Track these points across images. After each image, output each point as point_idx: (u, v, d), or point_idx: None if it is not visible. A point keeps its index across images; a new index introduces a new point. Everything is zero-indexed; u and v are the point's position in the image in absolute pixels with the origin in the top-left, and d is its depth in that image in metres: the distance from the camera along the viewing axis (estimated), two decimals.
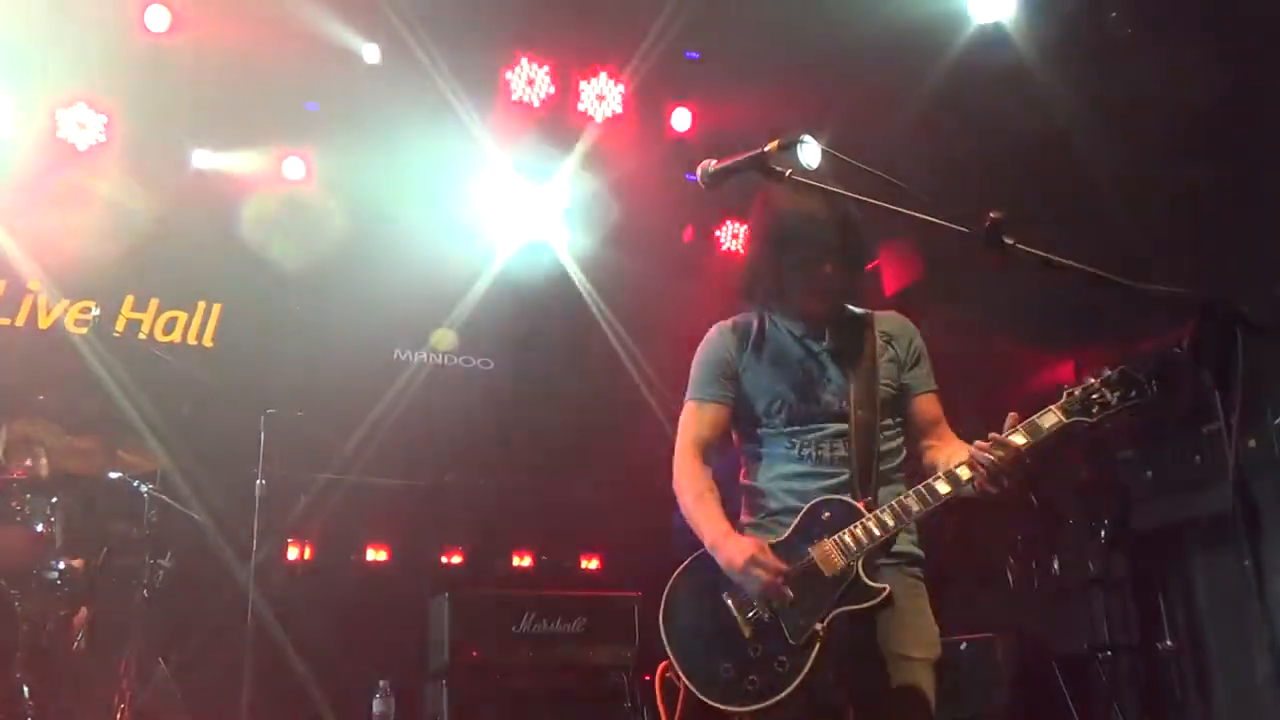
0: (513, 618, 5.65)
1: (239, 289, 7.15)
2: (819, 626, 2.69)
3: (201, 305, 7.10)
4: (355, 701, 5.56)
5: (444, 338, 7.90)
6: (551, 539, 7.69)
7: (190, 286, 7.06)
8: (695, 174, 2.74)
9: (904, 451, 3.03)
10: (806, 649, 2.69)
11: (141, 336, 6.89)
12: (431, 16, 6.63)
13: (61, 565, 5.40)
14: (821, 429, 2.94)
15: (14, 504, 5.31)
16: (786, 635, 2.71)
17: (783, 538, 2.83)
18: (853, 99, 6.41)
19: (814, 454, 2.93)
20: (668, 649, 2.85)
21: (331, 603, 6.68)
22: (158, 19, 6.40)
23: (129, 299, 6.93)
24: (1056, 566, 6.45)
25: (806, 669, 2.67)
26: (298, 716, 5.61)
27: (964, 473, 2.72)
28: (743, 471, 3.11)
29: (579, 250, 7.74)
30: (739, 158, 2.63)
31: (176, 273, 6.99)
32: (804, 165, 2.59)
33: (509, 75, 7.19)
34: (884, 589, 2.72)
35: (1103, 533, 6.06)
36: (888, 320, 3.12)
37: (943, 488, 2.74)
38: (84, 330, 6.73)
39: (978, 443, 2.71)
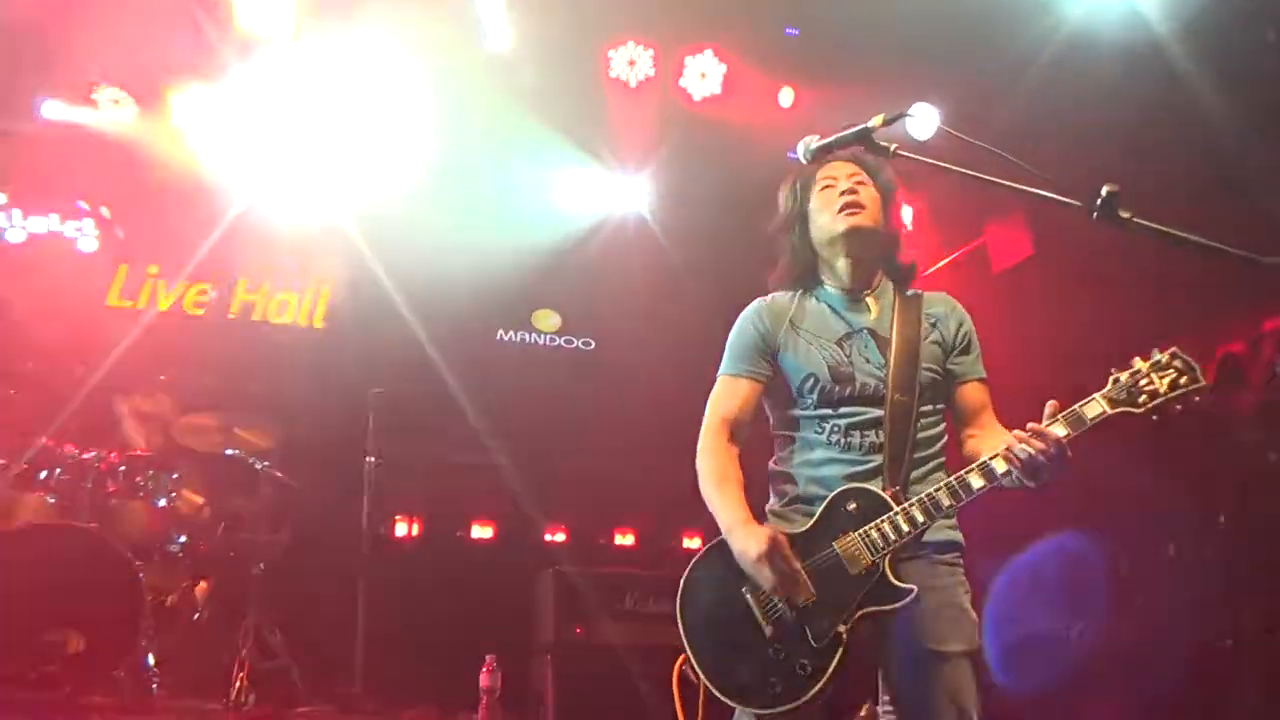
0: (615, 596, 5.69)
1: (347, 272, 7.31)
2: (842, 629, 2.53)
3: (312, 288, 7.28)
4: (463, 674, 5.65)
5: (546, 318, 7.98)
6: (654, 517, 7.71)
7: (301, 269, 7.24)
8: (796, 151, 2.69)
9: (943, 440, 2.84)
10: (829, 652, 2.53)
11: (255, 318, 7.10)
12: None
13: (182, 539, 5.60)
14: (855, 413, 2.74)
15: (138, 479, 5.52)
16: (809, 636, 2.55)
17: (805, 528, 2.67)
18: (964, 70, 6.25)
19: (844, 439, 2.74)
20: (685, 643, 2.68)
21: (439, 577, 6.81)
22: None
23: (243, 282, 7.14)
24: (1172, 552, 6.25)
25: (829, 674, 2.51)
26: (408, 688, 5.72)
27: (999, 465, 2.54)
28: (774, 454, 2.95)
29: (679, 230, 7.73)
30: (842, 132, 2.55)
31: (288, 255, 7.18)
32: (915, 139, 2.50)
33: (610, 54, 7.18)
34: (911, 590, 2.55)
35: (1221, 518, 5.85)
36: (936, 301, 2.94)
37: (976, 481, 2.56)
38: (201, 312, 6.96)
39: (1016, 433, 2.54)
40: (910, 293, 2.93)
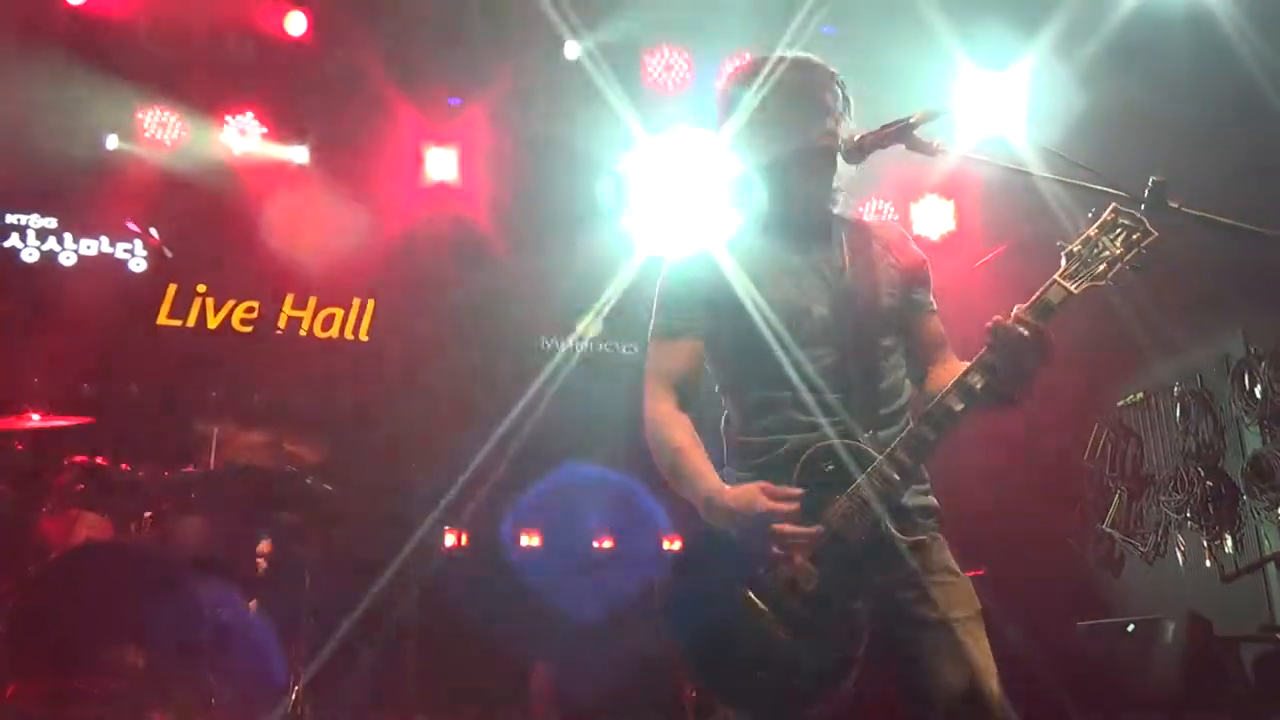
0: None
1: (392, 284, 7.37)
2: (859, 605, 2.29)
3: (356, 301, 7.34)
4: (514, 682, 5.68)
5: (590, 324, 7.98)
6: (702, 522, 7.67)
7: (346, 283, 7.31)
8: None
9: (908, 383, 2.61)
10: (854, 632, 2.28)
11: (302, 333, 7.18)
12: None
13: (235, 553, 5.66)
14: (814, 352, 2.48)
15: (191, 495, 5.59)
16: (826, 623, 2.27)
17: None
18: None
19: (806, 387, 2.45)
20: (685, 664, 2.41)
21: (488, 587, 6.84)
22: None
23: (289, 297, 7.22)
24: (1229, 545, 6.13)
25: (859, 657, 2.27)
26: (460, 696, 5.75)
27: (976, 380, 2.29)
28: (723, 416, 2.68)
29: (723, 232, 7.70)
30: (882, 130, 2.50)
31: (333, 271, 7.25)
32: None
33: (647, 59, 7.18)
34: (920, 540, 2.38)
35: None
36: (885, 227, 2.74)
37: (957, 405, 2.29)
38: (249, 329, 7.05)
39: (994, 324, 2.29)
40: (855, 218, 2.74)
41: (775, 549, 2.28)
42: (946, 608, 2.39)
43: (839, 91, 2.61)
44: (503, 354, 7.43)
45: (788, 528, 2.28)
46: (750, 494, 2.32)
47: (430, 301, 7.45)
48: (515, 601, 6.73)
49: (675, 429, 2.52)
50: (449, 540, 7.00)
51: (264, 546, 5.79)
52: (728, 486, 2.40)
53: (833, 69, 2.63)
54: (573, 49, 6.88)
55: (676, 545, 7.61)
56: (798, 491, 2.32)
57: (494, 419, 6.89)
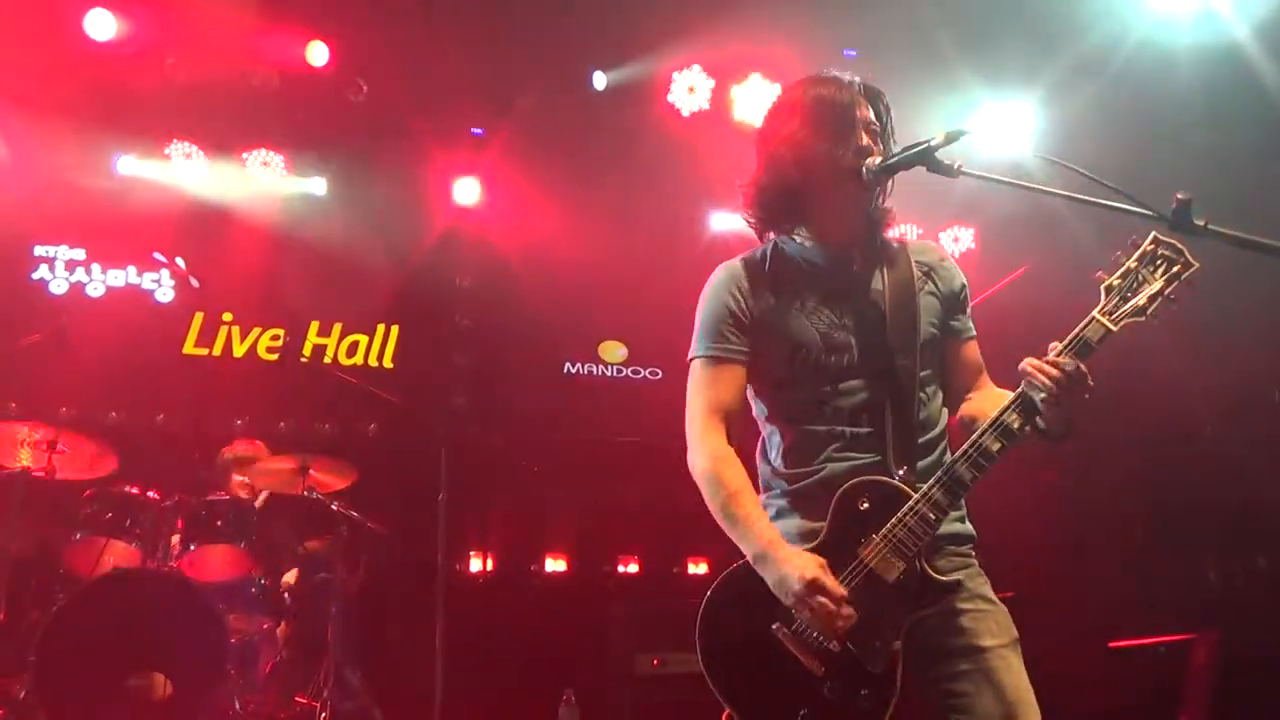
0: (692, 626, 5.64)
1: (415, 311, 7.41)
2: (897, 645, 2.28)
3: (381, 328, 7.39)
4: (542, 708, 5.65)
5: (613, 350, 8.00)
6: (727, 546, 7.65)
7: (369, 311, 7.36)
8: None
9: (944, 411, 2.54)
10: (889, 674, 2.27)
11: (327, 360, 7.22)
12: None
13: (262, 581, 5.68)
14: (850, 384, 2.44)
15: (219, 523, 5.61)
16: (864, 663, 2.27)
17: (819, 541, 2.36)
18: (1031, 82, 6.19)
19: (845, 421, 2.42)
20: (723, 699, 2.37)
21: (515, 612, 6.83)
22: None
23: (314, 325, 7.27)
24: (1263, 563, 6.07)
25: (895, 697, 2.26)
26: None
27: (1014, 420, 2.26)
28: (760, 441, 2.63)
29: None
30: (904, 152, 2.43)
31: (356, 298, 7.31)
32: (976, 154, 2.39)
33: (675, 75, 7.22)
34: (957, 581, 2.33)
35: None
36: (924, 249, 2.63)
37: (994, 445, 2.26)
38: (274, 357, 7.10)
39: (1028, 367, 2.24)
40: (894, 240, 2.64)
41: (814, 624, 2.28)
42: (981, 637, 2.35)
43: (877, 106, 2.56)
44: (527, 379, 7.45)
45: (829, 604, 2.25)
46: (810, 567, 2.29)
47: (454, 326, 7.49)
48: (544, 626, 6.73)
49: (728, 469, 2.46)
50: (475, 565, 7.00)
51: (290, 576, 5.81)
52: (785, 548, 2.36)
53: (870, 84, 2.57)
54: (600, 80, 6.93)
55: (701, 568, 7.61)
56: (845, 593, 2.28)
57: (521, 441, 6.92)
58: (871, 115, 2.54)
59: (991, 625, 2.38)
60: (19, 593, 5.24)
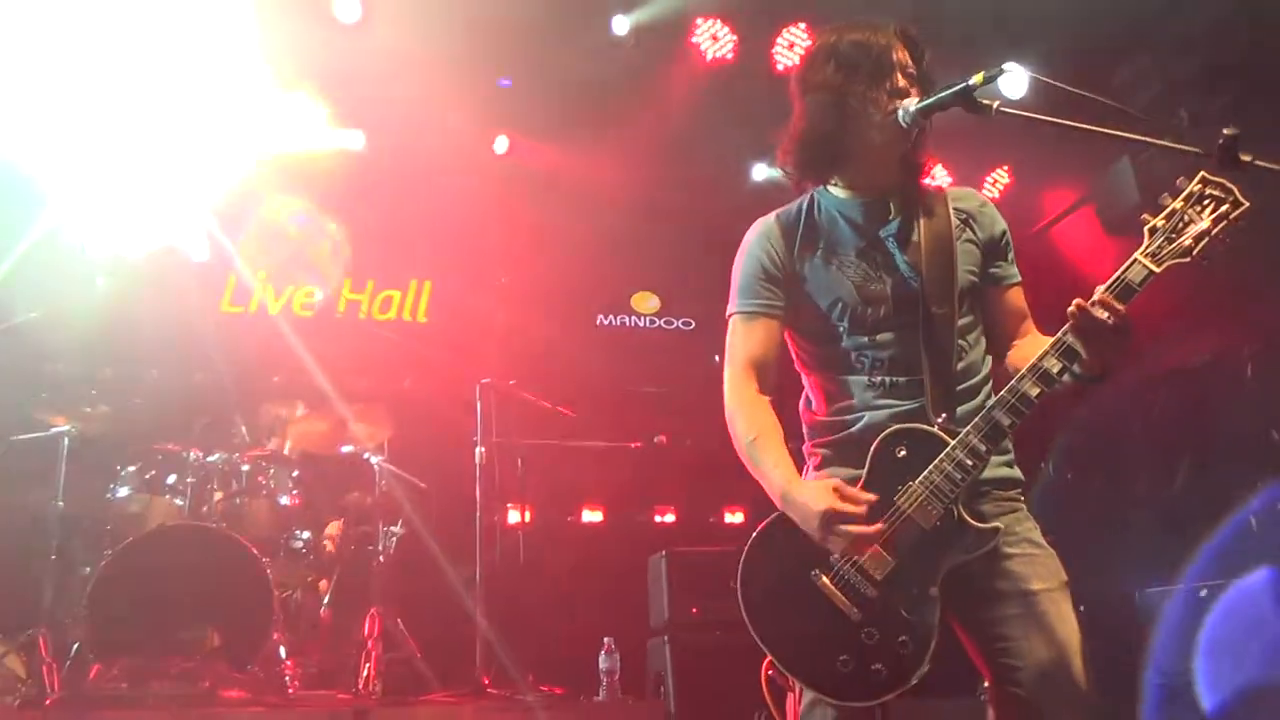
0: (730, 574, 5.67)
1: (448, 265, 7.42)
2: (934, 591, 2.28)
3: (414, 283, 7.41)
4: (582, 658, 5.72)
5: (645, 300, 7.99)
6: (763, 494, 7.67)
7: (403, 266, 7.38)
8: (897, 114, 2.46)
9: (988, 359, 2.52)
10: (928, 620, 2.27)
11: (361, 316, 7.26)
12: None
13: (305, 535, 5.76)
14: (887, 334, 2.44)
15: (260, 479, 5.69)
16: (902, 610, 2.28)
17: (859, 487, 2.35)
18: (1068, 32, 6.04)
19: (881, 365, 2.43)
20: (765, 646, 2.39)
21: (552, 563, 6.90)
22: None
23: (347, 281, 7.31)
24: None
25: (934, 642, 2.26)
26: (529, 672, 5.81)
27: (1053, 365, 2.23)
28: (803, 394, 2.63)
29: (780, 203, 7.65)
30: (941, 93, 2.36)
31: (389, 254, 7.33)
32: (1006, 96, 2.34)
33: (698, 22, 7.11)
34: (996, 529, 2.31)
35: None
36: (963, 196, 2.59)
37: (1032, 390, 2.25)
38: (309, 313, 7.14)
39: (1075, 308, 2.19)
40: (931, 186, 2.60)
41: (839, 549, 2.30)
42: (1030, 581, 2.33)
43: (914, 51, 2.52)
44: (560, 331, 7.46)
45: (853, 528, 2.27)
46: (822, 491, 2.32)
47: (486, 280, 7.51)
48: (582, 576, 6.79)
49: (754, 414, 2.49)
50: (513, 517, 7.06)
51: (332, 529, 5.89)
52: (802, 480, 2.40)
53: (908, 28, 2.54)
54: (621, 24, 6.82)
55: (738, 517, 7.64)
56: (870, 497, 2.30)
57: (555, 393, 6.94)
58: (909, 59, 2.51)
59: (1040, 569, 2.36)
60: (68, 548, 5.35)
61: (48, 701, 4.73)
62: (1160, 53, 6.11)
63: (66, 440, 5.39)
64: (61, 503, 5.31)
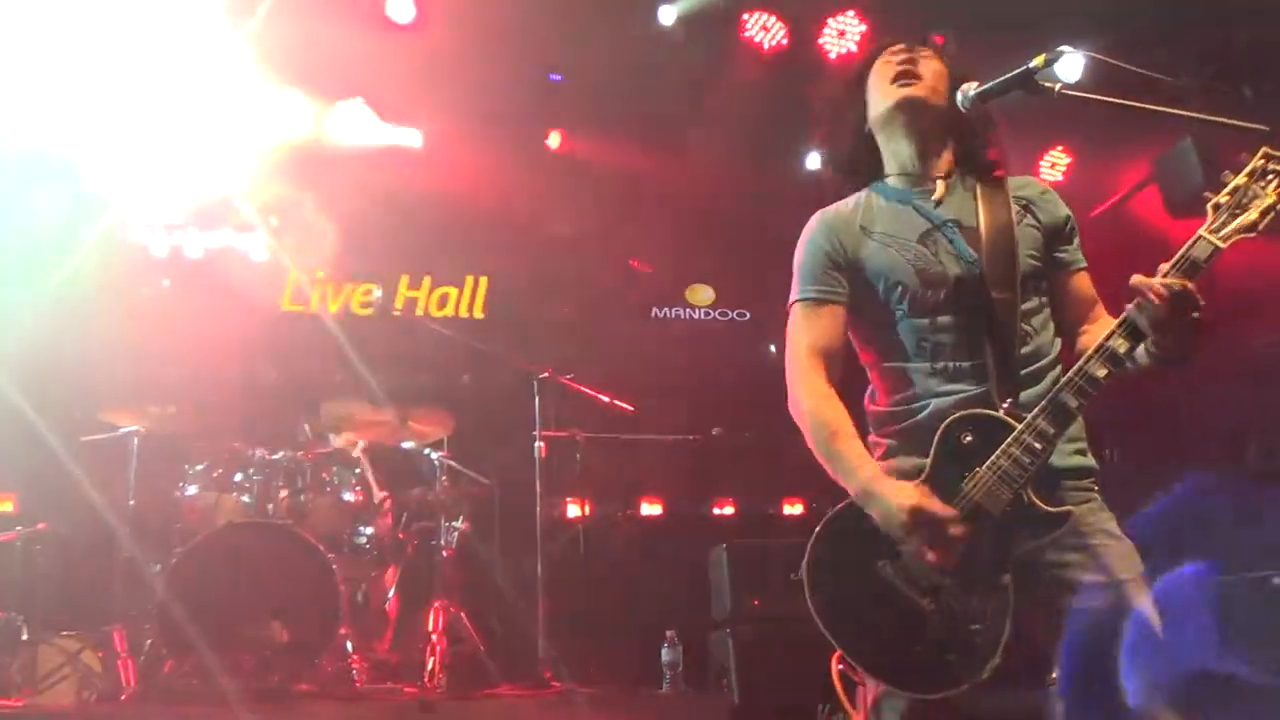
0: (790, 566, 5.65)
1: (503, 261, 7.47)
2: (1006, 579, 2.24)
3: (470, 279, 7.47)
4: (645, 651, 5.74)
5: (699, 293, 7.98)
6: (823, 486, 7.62)
7: (459, 263, 7.44)
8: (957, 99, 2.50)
9: (1057, 342, 2.49)
10: (1001, 608, 2.23)
11: (419, 313, 7.33)
12: None
13: (369, 530, 5.83)
14: (949, 319, 2.42)
15: (324, 475, 5.77)
16: (973, 599, 2.25)
17: (924, 476, 2.33)
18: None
19: (944, 350, 2.41)
20: (836, 641, 2.36)
21: (612, 556, 6.92)
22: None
23: (404, 279, 7.38)
24: None
25: (1008, 630, 2.22)
26: (591, 665, 5.83)
27: (1120, 345, 2.20)
28: (869, 386, 2.62)
29: (834, 195, 7.61)
30: (1002, 77, 2.37)
31: (446, 250, 7.39)
32: (1063, 79, 2.33)
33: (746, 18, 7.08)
34: (1067, 512, 2.26)
35: None
36: (1024, 184, 2.59)
37: (1099, 371, 2.21)
38: (368, 311, 7.22)
39: (1136, 282, 2.17)
40: (990, 176, 2.59)
41: (918, 546, 2.27)
42: (1104, 571, 2.29)
43: (942, 43, 2.61)
44: (616, 325, 7.48)
45: (939, 531, 2.25)
46: (911, 496, 2.28)
47: (540, 276, 7.54)
48: (642, 569, 6.81)
49: (829, 409, 2.45)
50: (573, 511, 7.09)
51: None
52: (888, 481, 2.35)
53: (934, 40, 2.63)
54: (668, 14, 6.81)
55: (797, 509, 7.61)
56: (955, 513, 2.27)
57: (612, 387, 6.95)
58: (903, 50, 2.59)
59: (1116, 560, 2.32)
60: (138, 546, 5.46)
61: (123, 697, 4.85)
62: (1217, 29, 5.99)
63: (136, 440, 5.51)
64: (133, 501, 5.44)
